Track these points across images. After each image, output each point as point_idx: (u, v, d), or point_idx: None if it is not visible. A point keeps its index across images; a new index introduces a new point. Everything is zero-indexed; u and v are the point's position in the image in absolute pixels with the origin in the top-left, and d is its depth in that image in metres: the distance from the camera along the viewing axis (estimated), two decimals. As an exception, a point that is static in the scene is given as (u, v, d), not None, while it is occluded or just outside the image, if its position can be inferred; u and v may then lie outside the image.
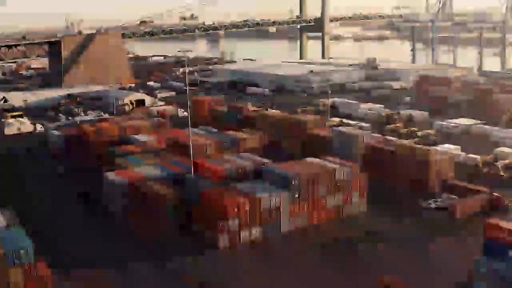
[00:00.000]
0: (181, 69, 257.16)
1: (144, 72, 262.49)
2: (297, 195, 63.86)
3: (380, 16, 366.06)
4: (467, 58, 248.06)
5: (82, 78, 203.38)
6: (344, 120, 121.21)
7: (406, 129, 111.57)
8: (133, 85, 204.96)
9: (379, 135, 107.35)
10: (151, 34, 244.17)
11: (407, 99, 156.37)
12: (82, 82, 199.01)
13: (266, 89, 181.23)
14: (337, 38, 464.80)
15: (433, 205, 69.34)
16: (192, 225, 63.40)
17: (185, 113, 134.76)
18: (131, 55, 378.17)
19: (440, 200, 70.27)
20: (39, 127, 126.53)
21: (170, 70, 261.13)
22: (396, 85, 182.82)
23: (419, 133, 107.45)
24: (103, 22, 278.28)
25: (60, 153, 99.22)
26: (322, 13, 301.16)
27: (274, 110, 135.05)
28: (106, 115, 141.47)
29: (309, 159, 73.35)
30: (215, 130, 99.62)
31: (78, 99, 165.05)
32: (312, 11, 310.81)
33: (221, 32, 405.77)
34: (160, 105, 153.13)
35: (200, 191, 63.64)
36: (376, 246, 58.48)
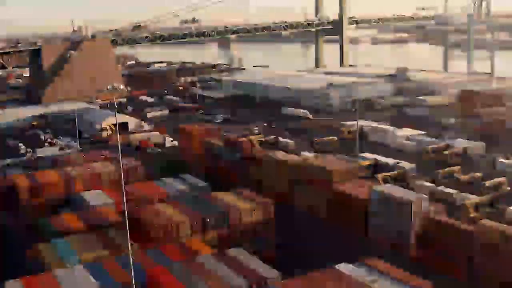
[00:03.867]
0: (182, 79, 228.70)
1: (141, 82, 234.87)
2: None
3: (408, 17, 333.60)
4: (506, 65, 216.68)
5: (65, 92, 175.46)
6: (379, 157, 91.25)
7: (467, 176, 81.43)
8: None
9: (430, 184, 78.48)
10: (147, 39, 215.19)
11: (451, 121, 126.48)
12: (67, 97, 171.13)
13: (307, 111, 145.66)
14: (354, 41, 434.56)
15: None
16: None
17: (175, 142, 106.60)
18: (132, 62, 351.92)
19: None
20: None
21: (171, 80, 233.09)
22: (432, 101, 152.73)
23: (487, 183, 77.41)
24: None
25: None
26: (340, 14, 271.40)
27: (287, 141, 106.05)
28: (75, 145, 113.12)
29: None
30: (202, 183, 70.11)
31: (47, 122, 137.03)
32: (328, 13, 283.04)
33: (232, 36, 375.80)
34: (146, 130, 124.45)
35: None
36: None
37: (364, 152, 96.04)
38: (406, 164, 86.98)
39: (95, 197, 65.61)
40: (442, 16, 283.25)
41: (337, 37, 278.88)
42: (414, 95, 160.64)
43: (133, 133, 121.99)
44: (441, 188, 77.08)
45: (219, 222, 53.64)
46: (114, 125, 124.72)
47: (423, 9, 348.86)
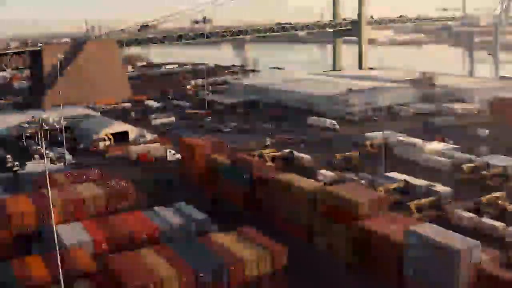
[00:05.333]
0: (193, 82, 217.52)
1: (150, 85, 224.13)
2: None
3: (430, 18, 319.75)
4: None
5: (67, 97, 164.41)
6: (408, 178, 79.30)
7: (514, 204, 69.27)
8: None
9: (471, 214, 66.58)
10: (152, 41, 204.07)
11: (484, 133, 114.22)
12: (68, 102, 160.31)
13: (334, 121, 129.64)
14: (372, 42, 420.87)
15: None
16: None
17: (178, 156, 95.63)
18: (144, 63, 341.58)
19: None
20: None
21: (181, 83, 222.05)
22: (461, 109, 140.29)
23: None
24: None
25: None
26: (359, 14, 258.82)
27: (304, 156, 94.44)
28: (69, 158, 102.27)
29: None
30: (201, 215, 58.54)
31: (41, 130, 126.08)
32: (345, 13, 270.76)
33: (247, 37, 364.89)
34: (147, 141, 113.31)
35: None
36: None
37: (390, 171, 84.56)
38: (440, 188, 75.08)
39: (70, 233, 54.37)
40: (469, 17, 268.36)
41: (354, 38, 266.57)
42: (440, 102, 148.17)
43: (134, 143, 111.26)
44: (484, 219, 65.14)
45: (216, 277, 42.09)
46: (114, 134, 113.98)
47: (445, 9, 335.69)
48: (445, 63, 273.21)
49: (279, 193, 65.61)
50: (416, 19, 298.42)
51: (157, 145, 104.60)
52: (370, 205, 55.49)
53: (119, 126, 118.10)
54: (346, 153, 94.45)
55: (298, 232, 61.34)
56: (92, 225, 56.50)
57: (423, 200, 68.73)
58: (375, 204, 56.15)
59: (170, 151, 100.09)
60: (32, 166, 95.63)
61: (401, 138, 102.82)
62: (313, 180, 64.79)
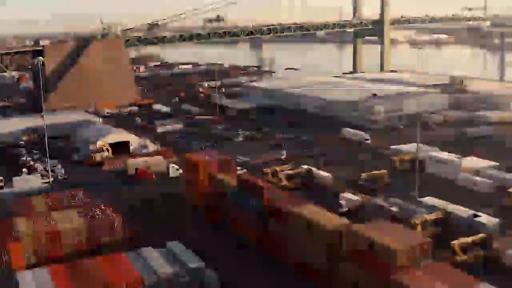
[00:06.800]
0: (206, 84, 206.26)
1: (160, 86, 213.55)
2: None
3: (456, 17, 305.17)
4: None
5: (70, 99, 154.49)
6: (446, 205, 67.10)
7: None
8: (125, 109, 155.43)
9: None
10: (163, 40, 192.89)
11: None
12: (71, 105, 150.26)
13: (368, 136, 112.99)
14: (393, 42, 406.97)
15: None
16: None
17: (181, 171, 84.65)
18: (157, 62, 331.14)
19: None
20: None
21: (193, 85, 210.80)
22: (497, 117, 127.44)
23: None
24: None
25: None
26: (382, 13, 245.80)
27: (324, 175, 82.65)
28: (61, 172, 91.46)
29: None
30: (195, 262, 47.08)
31: (35, 137, 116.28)
32: (367, 12, 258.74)
33: (266, 36, 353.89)
34: (149, 152, 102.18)
35: None
36: None
37: (424, 195, 72.54)
38: (486, 218, 62.96)
39: (30, 284, 43.37)
40: (500, 17, 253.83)
41: (374, 38, 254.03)
42: (472, 109, 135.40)
43: (135, 154, 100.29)
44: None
45: None
46: (112, 145, 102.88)
47: (469, 9, 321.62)
48: (469, 65, 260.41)
49: (295, 229, 54.13)
50: (441, 18, 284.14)
51: (159, 158, 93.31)
52: (410, 254, 43.87)
53: (119, 135, 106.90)
54: (374, 171, 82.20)
55: (316, 278, 50.00)
56: (60, 272, 45.54)
57: (469, 239, 56.55)
58: (416, 251, 44.51)
59: (172, 166, 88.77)
60: (18, 182, 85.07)
61: (434, 153, 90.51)
62: (336, 216, 52.75)
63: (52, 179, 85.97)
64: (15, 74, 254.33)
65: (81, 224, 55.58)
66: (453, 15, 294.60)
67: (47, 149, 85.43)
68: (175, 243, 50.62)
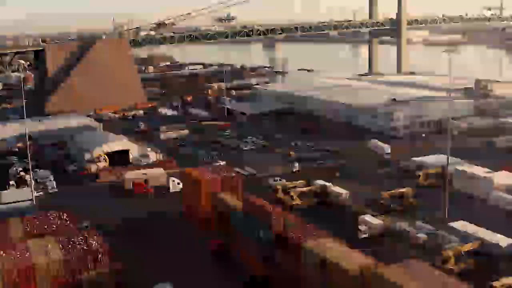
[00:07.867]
0: (215, 85, 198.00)
1: (167, 88, 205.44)
2: None
3: (485, 19, 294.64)
4: None
5: (74, 102, 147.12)
6: (481, 232, 58.41)
7: None
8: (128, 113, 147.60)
9: None
10: (170, 40, 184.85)
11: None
12: (72, 108, 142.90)
13: (388, 147, 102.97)
14: (408, 43, 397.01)
15: None
16: None
17: (181, 185, 76.69)
18: (167, 63, 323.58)
19: None
20: None
21: (203, 86, 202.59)
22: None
23: None
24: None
25: None
26: (399, 13, 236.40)
27: (341, 192, 74.09)
28: (53, 184, 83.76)
29: None
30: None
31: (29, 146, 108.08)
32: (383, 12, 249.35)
33: (279, 36, 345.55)
34: (149, 163, 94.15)
35: None
36: None
37: (452, 216, 63.95)
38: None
39: None
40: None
41: (389, 38, 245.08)
42: (498, 115, 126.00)
43: (133, 165, 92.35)
44: None
45: None
46: (109, 154, 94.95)
47: (489, 9, 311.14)
48: (490, 67, 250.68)
49: (308, 264, 45.79)
50: (461, 18, 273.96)
51: (159, 170, 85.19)
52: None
53: (118, 143, 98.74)
54: (397, 189, 73.29)
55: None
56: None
57: (513, 279, 47.91)
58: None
59: (173, 180, 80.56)
60: (6, 197, 77.19)
61: (462, 167, 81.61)
62: (357, 252, 44.06)
63: (38, 194, 78.05)
64: (20, 74, 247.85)
65: (58, 257, 47.59)
66: (477, 15, 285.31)
67: (29, 158, 77.25)
68: (165, 285, 42.39)
